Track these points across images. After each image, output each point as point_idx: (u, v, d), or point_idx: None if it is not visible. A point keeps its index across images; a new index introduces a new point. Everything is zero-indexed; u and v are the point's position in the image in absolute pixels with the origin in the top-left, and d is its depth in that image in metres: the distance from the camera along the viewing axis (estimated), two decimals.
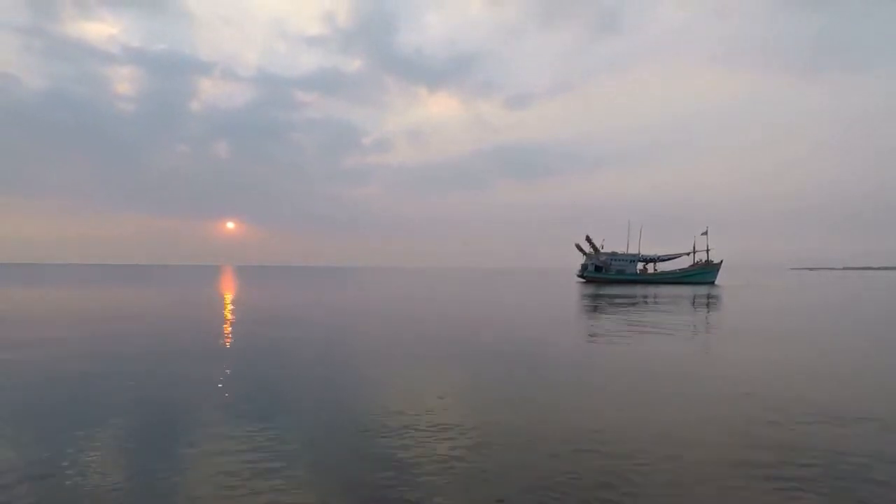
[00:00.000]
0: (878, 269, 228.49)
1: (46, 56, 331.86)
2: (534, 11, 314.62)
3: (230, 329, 15.64)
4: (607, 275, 62.21)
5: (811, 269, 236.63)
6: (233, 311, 21.81)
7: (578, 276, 64.58)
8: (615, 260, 63.25)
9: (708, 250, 61.67)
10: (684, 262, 63.17)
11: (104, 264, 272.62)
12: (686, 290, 42.68)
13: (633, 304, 26.68)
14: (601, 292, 38.69)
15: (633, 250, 64.37)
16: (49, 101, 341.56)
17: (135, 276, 74.41)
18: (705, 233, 61.74)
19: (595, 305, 26.41)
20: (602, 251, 63.90)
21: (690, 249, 62.08)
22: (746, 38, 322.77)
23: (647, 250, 64.43)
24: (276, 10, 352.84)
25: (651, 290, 44.31)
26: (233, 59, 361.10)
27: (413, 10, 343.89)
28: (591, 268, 63.45)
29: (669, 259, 63.49)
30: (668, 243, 69.12)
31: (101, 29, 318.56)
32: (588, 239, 64.46)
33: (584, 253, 64.73)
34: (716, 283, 58.95)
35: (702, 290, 44.66)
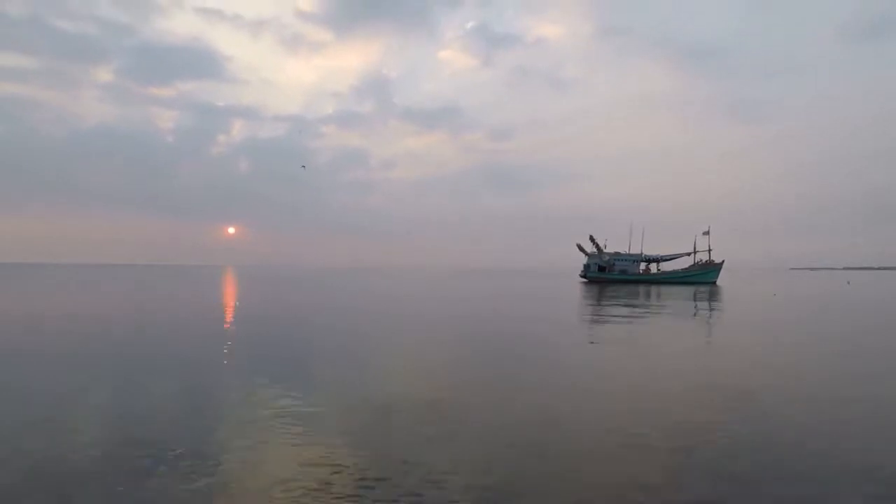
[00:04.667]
0: (879, 269, 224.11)
1: (116, 104, 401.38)
2: (506, 78, 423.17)
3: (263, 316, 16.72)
4: (611, 275, 61.10)
5: (812, 269, 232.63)
6: (263, 305, 22.52)
7: (581, 276, 63.37)
8: (619, 260, 62.02)
9: (709, 250, 60.65)
10: (685, 262, 62.22)
11: (133, 265, 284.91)
12: (688, 290, 42.51)
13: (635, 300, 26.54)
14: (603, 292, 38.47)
15: (630, 251, 63.11)
16: (104, 132, 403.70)
17: (173, 276, 75.61)
18: (707, 233, 60.72)
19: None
20: (605, 251, 63.06)
21: (692, 249, 61.17)
22: (670, 95, 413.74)
23: (635, 250, 63.19)
24: (306, 79, 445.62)
25: (653, 289, 44.14)
26: (265, 106, 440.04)
27: (411, 79, 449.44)
28: (593, 268, 62.06)
29: (672, 259, 62.53)
30: (666, 244, 67.45)
31: (168, 91, 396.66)
32: (592, 239, 62.98)
33: (586, 253, 63.18)
34: (717, 282, 58.15)
35: (702, 289, 44.39)
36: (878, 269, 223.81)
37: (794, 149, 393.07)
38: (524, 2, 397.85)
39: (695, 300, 29.51)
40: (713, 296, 33.88)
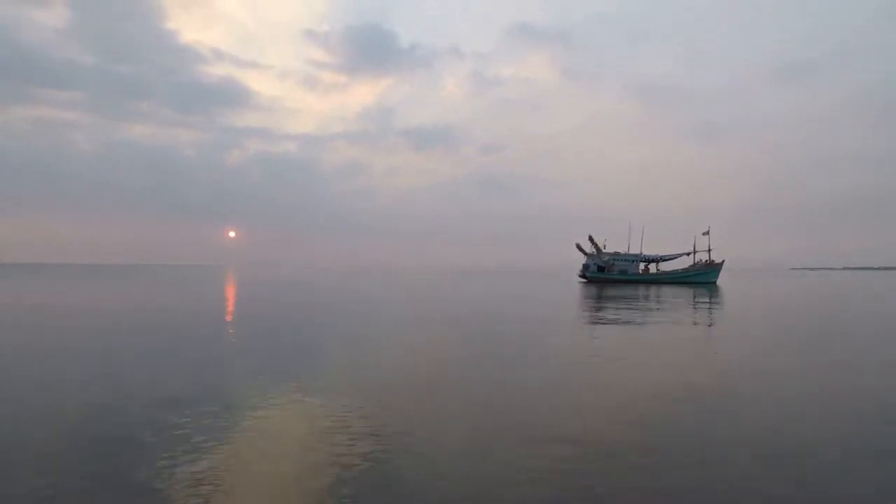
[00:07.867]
0: (879, 269, 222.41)
1: (146, 126, 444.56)
2: (493, 106, 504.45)
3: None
4: (610, 275, 60.39)
5: (812, 269, 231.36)
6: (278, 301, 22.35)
7: (580, 276, 62.43)
8: (618, 260, 61.29)
9: (709, 250, 59.83)
10: (685, 263, 61.45)
11: (137, 264, 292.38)
12: (687, 290, 41.81)
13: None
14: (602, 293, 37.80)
15: (629, 251, 62.29)
16: (128, 148, 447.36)
17: (183, 276, 75.44)
18: (707, 233, 59.92)
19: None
20: (604, 251, 62.30)
21: (691, 249, 60.39)
22: (634, 118, 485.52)
23: (634, 251, 62.46)
24: (320, 108, 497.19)
25: (653, 289, 43.43)
26: (280, 126, 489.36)
27: (409, 107, 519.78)
28: (593, 268, 61.23)
29: (671, 259, 61.78)
30: (659, 244, 66.64)
31: (195, 117, 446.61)
32: (591, 239, 62.24)
33: (586, 253, 62.33)
34: (717, 283, 57.35)
35: (702, 289, 43.61)
36: (878, 269, 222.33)
37: (749, 159, 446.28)
38: (508, 56, 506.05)
39: (694, 300, 28.80)
40: (713, 296, 33.19)
